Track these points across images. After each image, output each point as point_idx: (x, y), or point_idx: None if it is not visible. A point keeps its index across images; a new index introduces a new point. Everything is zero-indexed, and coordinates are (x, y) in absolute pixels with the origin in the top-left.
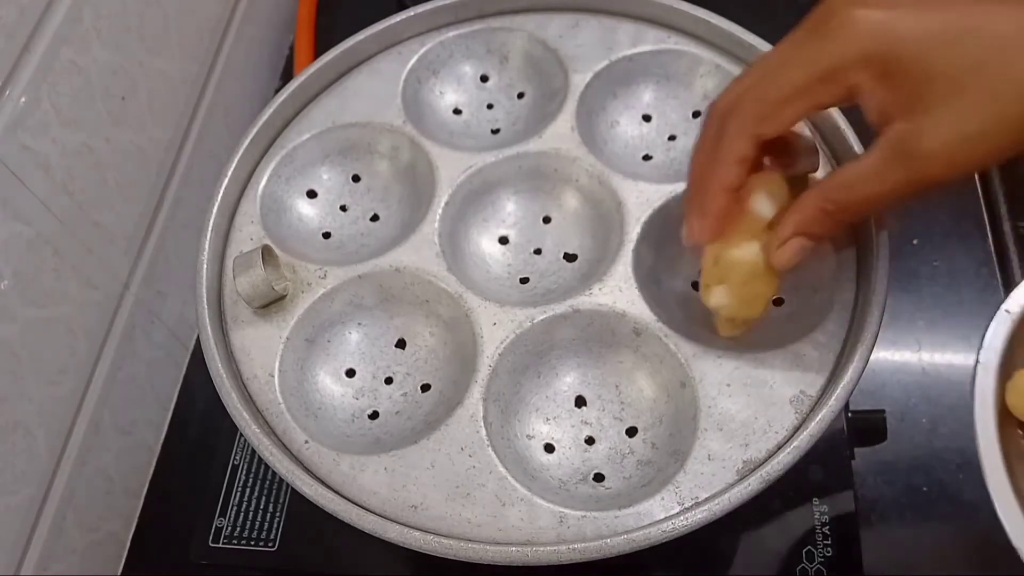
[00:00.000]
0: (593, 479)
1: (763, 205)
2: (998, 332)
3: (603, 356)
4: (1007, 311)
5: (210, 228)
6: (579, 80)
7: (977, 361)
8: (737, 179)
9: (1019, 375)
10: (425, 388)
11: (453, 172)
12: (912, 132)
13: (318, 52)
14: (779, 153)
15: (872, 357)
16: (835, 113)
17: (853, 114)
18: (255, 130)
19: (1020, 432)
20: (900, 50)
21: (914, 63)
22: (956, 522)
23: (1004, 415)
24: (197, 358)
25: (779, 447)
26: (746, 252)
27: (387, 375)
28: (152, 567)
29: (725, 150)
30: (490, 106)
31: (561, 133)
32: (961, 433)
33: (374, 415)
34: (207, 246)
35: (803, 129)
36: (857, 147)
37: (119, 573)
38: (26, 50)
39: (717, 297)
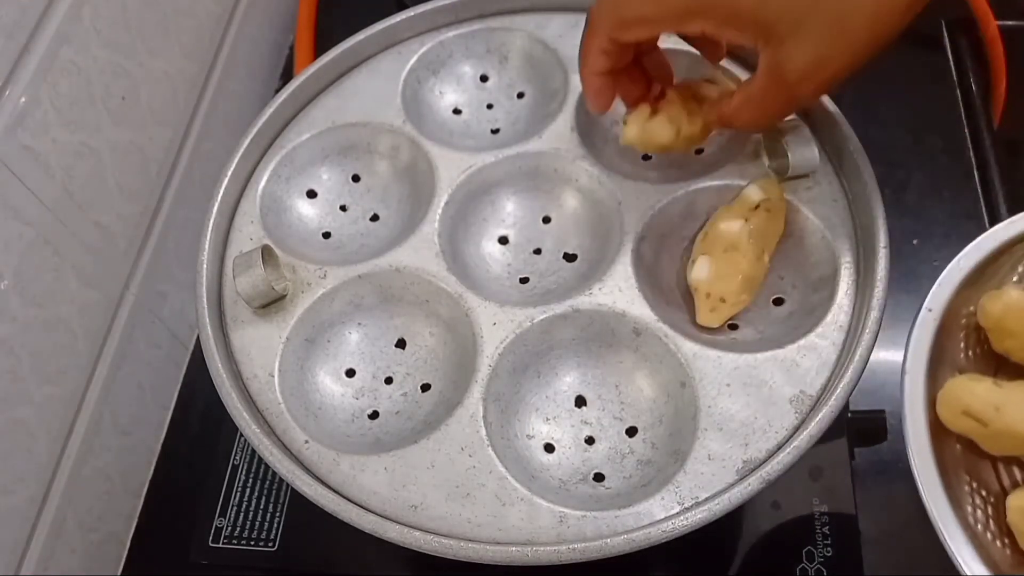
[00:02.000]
0: (593, 479)
1: (754, 192)
2: (922, 337)
3: (603, 356)
4: (928, 309)
5: (210, 228)
6: (579, 80)
7: (904, 371)
8: (602, 66)
9: (949, 385)
10: (425, 388)
11: (453, 172)
12: (777, 60)
13: (318, 52)
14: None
15: (872, 357)
16: (835, 113)
17: (853, 114)
18: (255, 130)
19: (955, 440)
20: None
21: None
22: None
23: (937, 424)
24: (197, 358)
25: (779, 447)
26: (731, 225)
27: (387, 375)
28: (152, 567)
29: (589, 44)
30: (490, 106)
31: (561, 133)
32: None
33: (374, 415)
34: (207, 246)
35: (804, 129)
36: (857, 147)
37: (119, 573)
38: (26, 50)
39: (698, 268)
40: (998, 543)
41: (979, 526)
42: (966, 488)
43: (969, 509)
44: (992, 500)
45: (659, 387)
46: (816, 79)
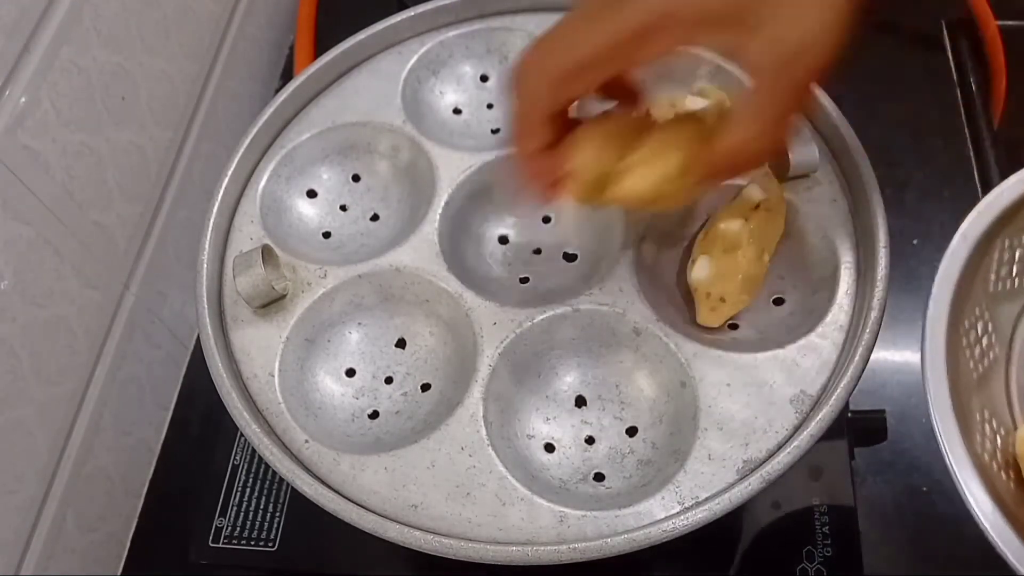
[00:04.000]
0: (593, 479)
1: (754, 192)
2: (953, 260)
3: (603, 356)
4: (963, 236)
5: (210, 228)
6: None
7: (930, 296)
8: (543, 140)
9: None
10: (425, 388)
11: (453, 172)
12: (766, 46)
13: (318, 52)
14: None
15: (872, 357)
16: (835, 113)
17: (853, 114)
18: (255, 130)
19: (972, 369)
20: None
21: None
22: (956, 522)
23: (954, 349)
24: (197, 358)
25: (779, 447)
26: (731, 225)
27: (387, 375)
28: (152, 567)
29: (522, 121)
30: (490, 106)
31: None
32: None
33: (374, 415)
34: (207, 246)
35: (804, 129)
36: (857, 147)
37: (119, 573)
38: (26, 50)
39: (699, 268)
40: (1003, 475)
41: (986, 456)
42: (977, 417)
43: (978, 438)
44: (1002, 432)
45: (659, 387)
46: (813, 52)
